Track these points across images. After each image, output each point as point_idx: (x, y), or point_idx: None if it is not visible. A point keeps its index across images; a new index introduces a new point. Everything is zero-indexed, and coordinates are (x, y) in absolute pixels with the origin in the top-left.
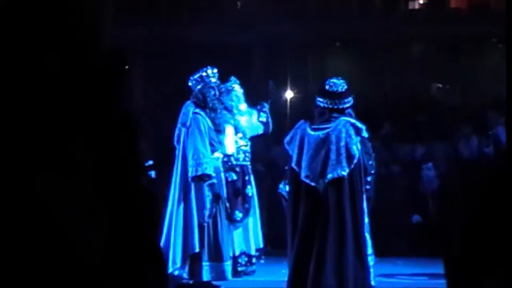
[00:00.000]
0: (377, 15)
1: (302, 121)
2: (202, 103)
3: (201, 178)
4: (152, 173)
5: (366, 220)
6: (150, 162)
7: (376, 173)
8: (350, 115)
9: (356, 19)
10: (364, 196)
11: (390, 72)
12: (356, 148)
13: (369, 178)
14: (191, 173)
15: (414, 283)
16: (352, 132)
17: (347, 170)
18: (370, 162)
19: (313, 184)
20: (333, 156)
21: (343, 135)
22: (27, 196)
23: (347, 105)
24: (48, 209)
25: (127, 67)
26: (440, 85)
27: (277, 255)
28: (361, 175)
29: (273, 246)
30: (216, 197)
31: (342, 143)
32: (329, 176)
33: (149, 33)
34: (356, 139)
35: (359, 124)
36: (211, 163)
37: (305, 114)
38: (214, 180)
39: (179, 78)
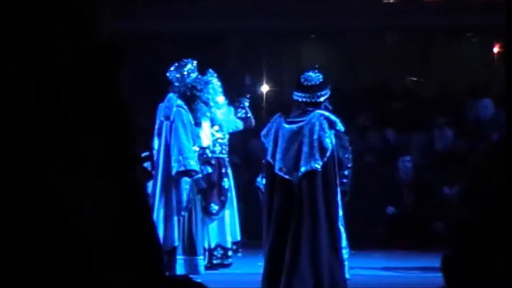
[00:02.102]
0: (353, 7)
1: (278, 114)
2: (188, 98)
3: (187, 173)
4: (148, 165)
5: (341, 213)
6: (146, 153)
7: (352, 166)
8: (326, 108)
9: (331, 11)
10: (339, 189)
11: (366, 64)
12: (329, 141)
13: (346, 172)
14: (177, 168)
15: (389, 276)
16: (325, 125)
17: (320, 163)
18: (346, 156)
19: (286, 177)
20: (306, 149)
21: (316, 128)
22: (35, 177)
23: (324, 97)
24: (55, 193)
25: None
26: (415, 78)
27: (253, 246)
28: (335, 168)
29: (249, 238)
30: (201, 192)
31: (315, 136)
32: (303, 169)
33: (123, 26)
34: (329, 132)
35: (333, 118)
36: (195, 157)
37: (281, 106)
38: (200, 175)
39: (154, 70)
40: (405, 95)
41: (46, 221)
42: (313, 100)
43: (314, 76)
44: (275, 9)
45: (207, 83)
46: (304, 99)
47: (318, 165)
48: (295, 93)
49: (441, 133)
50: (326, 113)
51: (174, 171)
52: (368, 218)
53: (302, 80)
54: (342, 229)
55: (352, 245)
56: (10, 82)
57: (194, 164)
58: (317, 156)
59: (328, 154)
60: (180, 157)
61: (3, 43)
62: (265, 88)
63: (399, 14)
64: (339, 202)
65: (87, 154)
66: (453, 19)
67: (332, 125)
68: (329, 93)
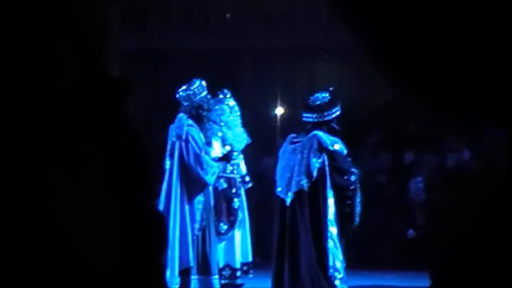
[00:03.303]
0: None
1: (290, 135)
2: (196, 117)
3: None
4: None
5: (335, 231)
6: None
7: (358, 187)
8: (333, 129)
9: (344, 31)
10: (334, 210)
11: (379, 83)
12: (316, 162)
13: (348, 194)
14: (212, 181)
15: None
16: (315, 146)
17: (307, 183)
18: (345, 177)
19: (281, 196)
20: (296, 168)
21: (307, 148)
22: (36, 198)
23: (332, 116)
24: (57, 212)
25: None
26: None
27: (267, 266)
28: (325, 188)
29: (262, 257)
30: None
31: (305, 156)
32: (293, 188)
33: (137, 45)
34: (319, 153)
35: (325, 138)
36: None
37: (293, 126)
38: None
39: (167, 90)
40: (418, 114)
41: (44, 233)
42: (319, 120)
43: (321, 97)
44: (288, 30)
45: (220, 102)
46: (310, 119)
47: (305, 185)
48: (303, 114)
49: (458, 154)
50: (320, 133)
51: (212, 185)
52: (380, 238)
53: (309, 101)
54: (333, 248)
55: (364, 266)
56: (15, 106)
57: (210, 178)
58: (303, 176)
59: (314, 174)
60: (210, 170)
61: (6, 67)
62: (278, 107)
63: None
64: (330, 222)
65: (92, 163)
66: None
67: (321, 146)
68: (337, 112)
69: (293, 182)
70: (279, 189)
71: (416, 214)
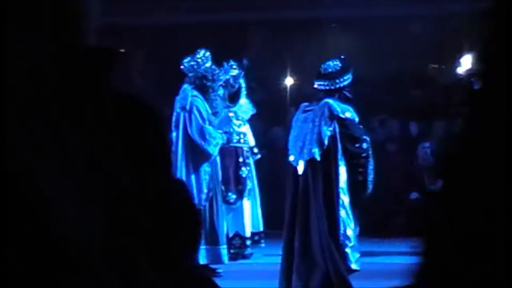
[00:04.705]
0: None
1: (302, 104)
2: (200, 88)
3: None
4: None
5: (347, 200)
6: None
7: (371, 155)
8: (345, 96)
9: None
10: (346, 177)
11: (389, 52)
12: (327, 129)
13: (361, 161)
14: (215, 152)
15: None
16: (327, 114)
17: (319, 152)
18: (357, 145)
19: (294, 165)
20: (308, 137)
21: (318, 116)
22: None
23: (344, 83)
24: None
25: (119, 53)
26: (436, 65)
27: (277, 236)
28: (336, 156)
29: (272, 228)
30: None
31: (316, 124)
32: (305, 157)
33: (146, 17)
34: (330, 121)
35: (336, 106)
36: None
37: (303, 96)
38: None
39: (177, 62)
40: (427, 82)
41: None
42: (331, 87)
43: (332, 64)
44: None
45: (224, 72)
46: (322, 87)
47: (316, 153)
48: (315, 82)
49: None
50: (331, 101)
51: (213, 156)
52: (390, 205)
53: (321, 68)
54: (345, 217)
55: (374, 234)
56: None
57: (213, 149)
58: (315, 144)
59: (325, 142)
60: (213, 141)
61: None
62: (288, 78)
63: (421, 1)
64: (342, 190)
65: (74, 152)
66: (477, 4)
67: (332, 114)
68: (349, 80)
69: (305, 151)
70: (291, 158)
71: (424, 179)
